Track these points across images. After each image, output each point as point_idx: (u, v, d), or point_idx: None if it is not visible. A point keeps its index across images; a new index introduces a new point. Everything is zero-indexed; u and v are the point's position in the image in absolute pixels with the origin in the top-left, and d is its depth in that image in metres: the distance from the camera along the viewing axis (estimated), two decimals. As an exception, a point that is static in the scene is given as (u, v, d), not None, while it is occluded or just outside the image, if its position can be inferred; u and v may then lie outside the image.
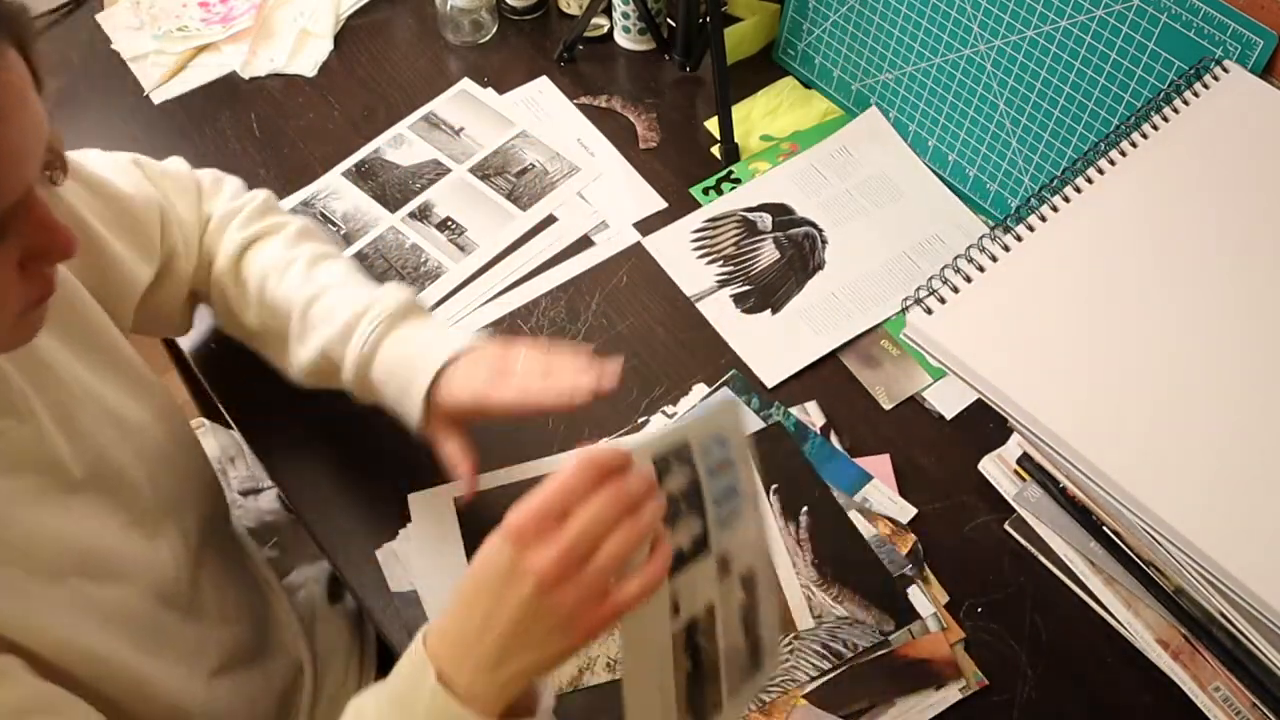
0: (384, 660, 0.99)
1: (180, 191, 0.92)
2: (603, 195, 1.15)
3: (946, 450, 0.95)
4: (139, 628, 0.73)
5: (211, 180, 0.95)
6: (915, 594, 0.86)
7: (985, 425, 0.95)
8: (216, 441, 1.15)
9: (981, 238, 0.83)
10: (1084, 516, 0.86)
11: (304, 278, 0.86)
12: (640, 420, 0.97)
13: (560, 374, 0.76)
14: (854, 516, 0.90)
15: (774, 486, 0.92)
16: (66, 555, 0.69)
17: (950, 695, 0.82)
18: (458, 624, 0.60)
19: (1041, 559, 0.88)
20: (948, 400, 0.98)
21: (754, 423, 0.96)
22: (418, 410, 0.80)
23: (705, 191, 1.15)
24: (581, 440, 0.97)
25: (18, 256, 0.58)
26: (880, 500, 0.91)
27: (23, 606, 0.64)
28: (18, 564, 0.65)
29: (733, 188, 1.14)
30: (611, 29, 1.29)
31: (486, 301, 1.07)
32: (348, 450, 0.95)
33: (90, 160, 0.85)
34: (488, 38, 1.30)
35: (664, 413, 0.98)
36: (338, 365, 0.84)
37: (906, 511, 0.91)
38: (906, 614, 0.85)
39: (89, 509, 0.72)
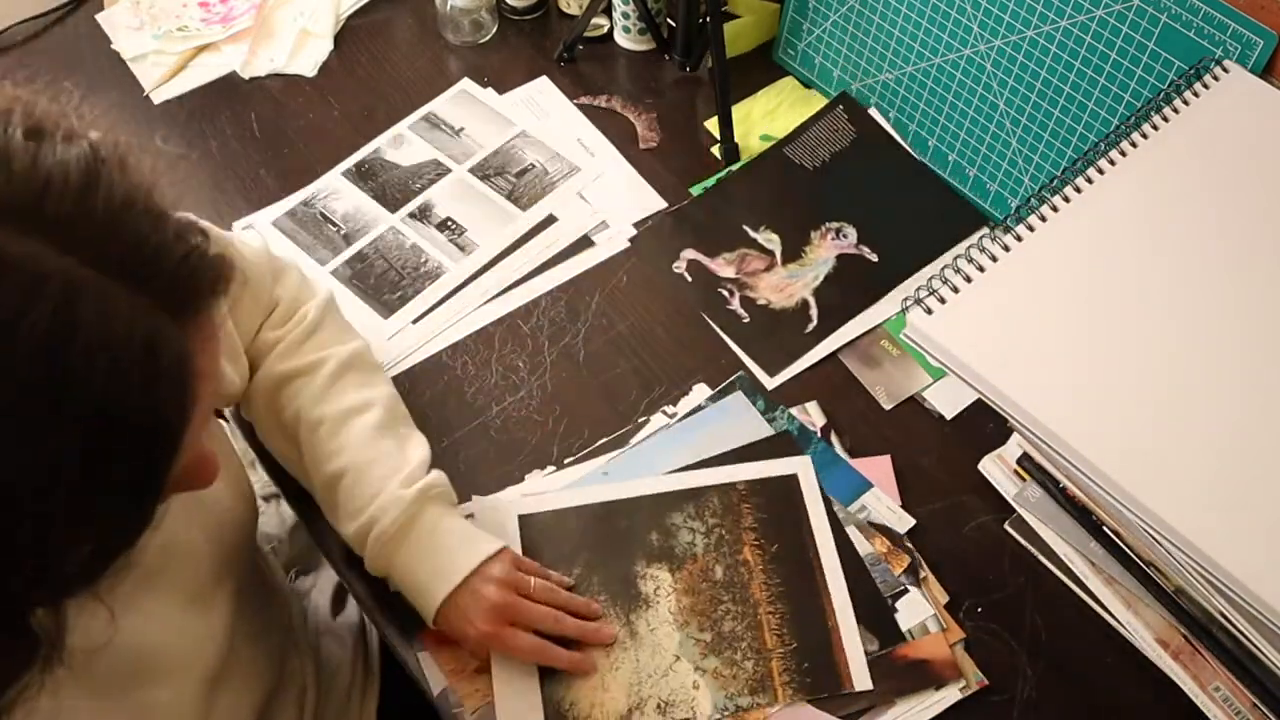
0: (387, 677, 0.99)
1: (253, 299, 0.90)
2: (603, 195, 1.15)
3: (946, 450, 0.95)
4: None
5: (273, 277, 0.92)
6: (913, 599, 0.86)
7: (985, 425, 0.95)
8: (238, 446, 1.15)
9: (981, 238, 0.83)
10: (1084, 516, 0.86)
11: (328, 448, 0.85)
12: (640, 420, 0.98)
13: (567, 628, 0.83)
14: (851, 533, 0.90)
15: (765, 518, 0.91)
16: (131, 663, 0.67)
17: (950, 695, 0.82)
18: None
19: (1041, 559, 0.88)
20: (948, 400, 0.98)
21: (760, 428, 0.96)
22: (432, 611, 0.82)
23: (705, 191, 1.15)
24: (581, 442, 0.97)
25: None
26: (879, 509, 0.91)
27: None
28: (84, 687, 0.63)
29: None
30: (611, 29, 1.29)
31: (486, 301, 1.07)
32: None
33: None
34: (488, 38, 1.30)
35: (664, 412, 0.98)
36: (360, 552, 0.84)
37: (905, 521, 0.90)
38: (892, 635, 0.84)
39: (157, 602, 0.70)
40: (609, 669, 0.83)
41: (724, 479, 0.92)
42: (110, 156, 0.51)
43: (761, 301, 1.06)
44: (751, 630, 0.85)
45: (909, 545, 0.89)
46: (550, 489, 0.93)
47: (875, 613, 0.86)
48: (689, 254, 1.10)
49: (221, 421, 0.84)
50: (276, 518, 1.09)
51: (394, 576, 0.83)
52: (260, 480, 1.10)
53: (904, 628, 0.85)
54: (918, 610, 0.85)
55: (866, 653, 0.84)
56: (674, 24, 1.24)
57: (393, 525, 0.81)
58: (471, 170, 1.18)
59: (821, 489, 0.92)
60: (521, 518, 0.90)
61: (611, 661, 0.83)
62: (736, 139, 1.17)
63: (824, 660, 0.83)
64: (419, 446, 0.87)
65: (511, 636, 0.80)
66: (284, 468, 0.91)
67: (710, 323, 1.05)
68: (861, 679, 0.82)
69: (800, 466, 0.93)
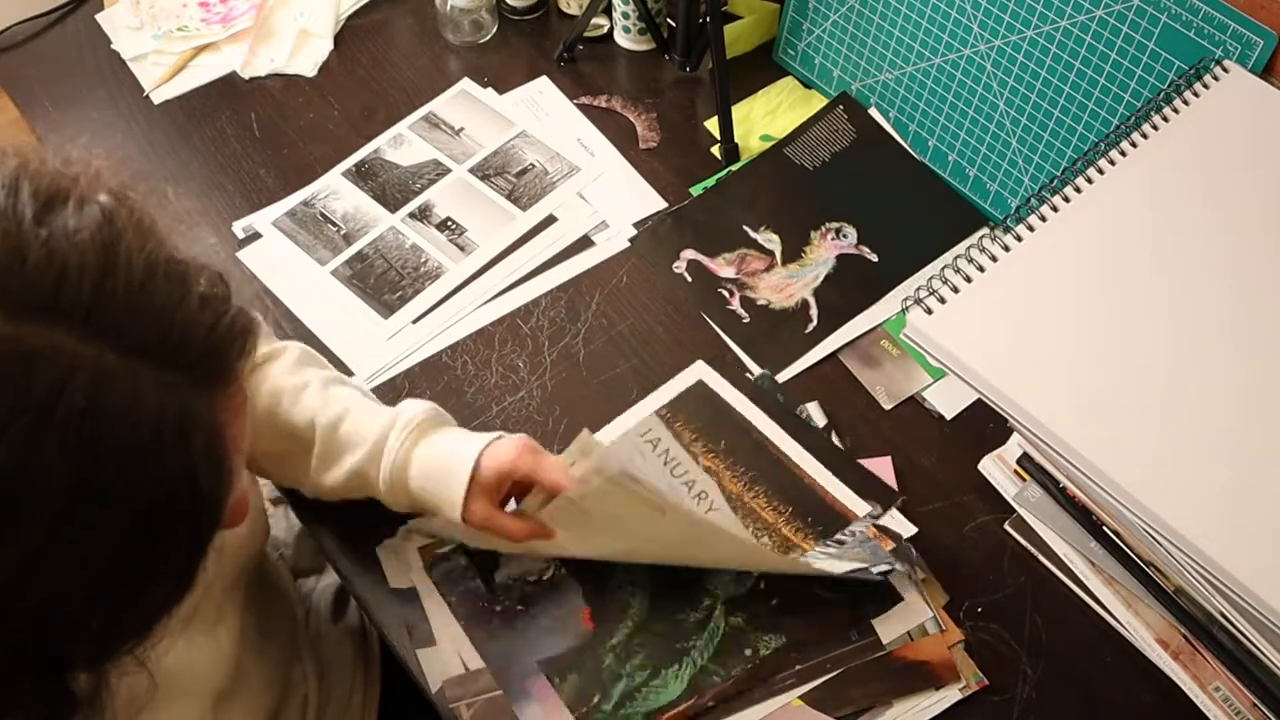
0: (387, 682, 0.99)
1: None
2: (603, 195, 1.15)
3: (946, 450, 0.95)
4: None
5: None
6: (913, 599, 0.86)
7: (985, 425, 0.95)
8: None
9: (981, 238, 0.83)
10: (1084, 516, 0.86)
11: (322, 400, 0.84)
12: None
13: None
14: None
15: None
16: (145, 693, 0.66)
17: (950, 695, 0.82)
18: None
19: (1041, 559, 0.88)
20: (948, 400, 0.98)
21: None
22: (462, 490, 0.80)
23: (705, 191, 1.15)
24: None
25: None
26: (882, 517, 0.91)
27: None
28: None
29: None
30: (611, 29, 1.29)
31: (486, 301, 1.07)
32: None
33: None
34: (488, 38, 1.30)
35: (646, 400, 0.98)
36: (371, 481, 0.83)
37: (906, 528, 0.90)
38: (886, 495, 0.89)
39: (175, 629, 0.70)
40: None
41: (645, 413, 0.97)
42: (125, 223, 0.50)
43: (761, 301, 1.06)
44: (749, 516, 0.90)
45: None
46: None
47: (860, 479, 0.91)
48: (689, 254, 1.10)
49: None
50: (284, 522, 1.09)
51: (417, 468, 0.82)
52: (267, 484, 1.10)
53: (904, 630, 0.85)
54: (917, 612, 0.85)
55: (871, 516, 0.88)
56: (674, 24, 1.24)
57: (413, 420, 0.82)
58: (471, 170, 1.18)
59: (730, 380, 0.97)
60: None
61: None
62: (736, 139, 1.17)
63: (821, 508, 0.90)
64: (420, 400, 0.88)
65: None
66: (254, 460, 0.89)
67: (710, 323, 1.05)
68: (860, 508, 0.88)
69: (700, 371, 0.98)
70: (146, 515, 0.48)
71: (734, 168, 1.16)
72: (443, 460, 0.81)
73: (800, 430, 0.94)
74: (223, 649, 0.76)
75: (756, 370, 1.01)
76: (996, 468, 0.92)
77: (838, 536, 0.87)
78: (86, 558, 0.47)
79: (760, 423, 0.95)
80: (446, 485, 0.81)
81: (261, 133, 1.22)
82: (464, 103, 1.24)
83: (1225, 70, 0.90)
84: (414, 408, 0.84)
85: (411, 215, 1.14)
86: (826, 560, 0.84)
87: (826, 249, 1.09)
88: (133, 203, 0.51)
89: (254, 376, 0.86)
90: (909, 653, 0.84)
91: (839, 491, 0.91)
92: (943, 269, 0.80)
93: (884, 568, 0.83)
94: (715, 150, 1.18)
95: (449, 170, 1.18)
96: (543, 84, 1.26)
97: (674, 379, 0.98)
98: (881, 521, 0.90)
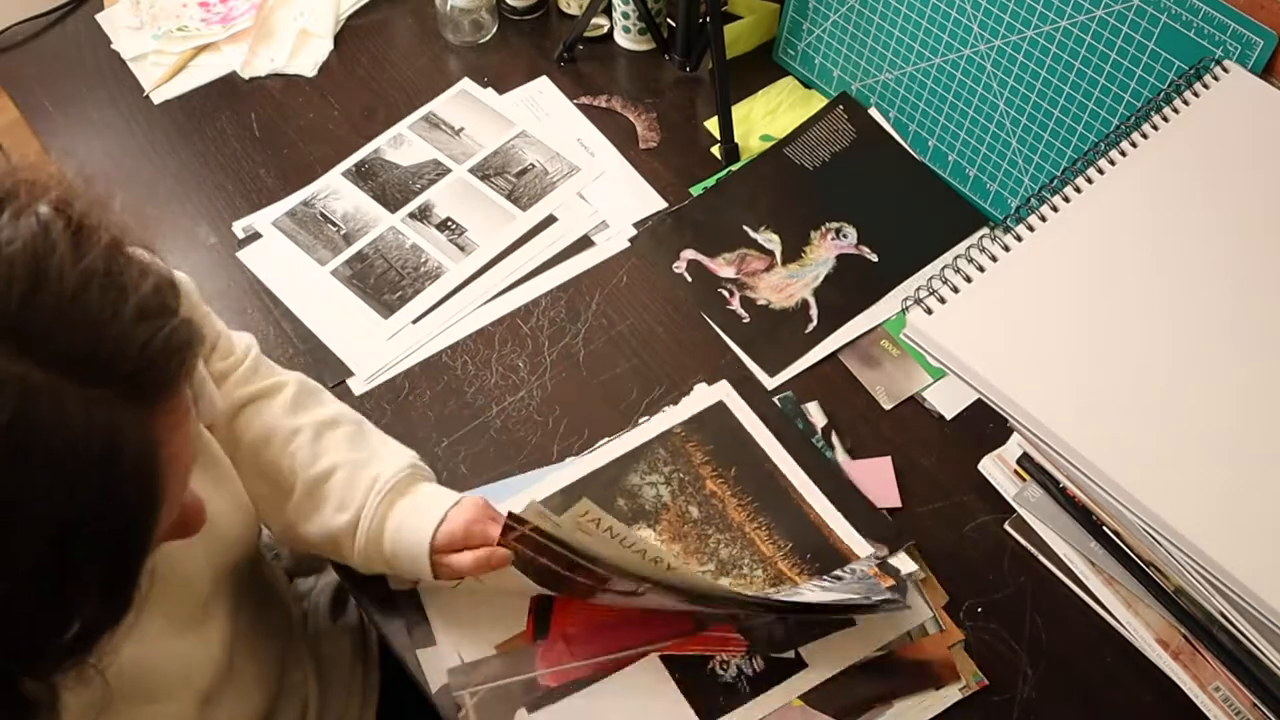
0: (386, 681, 0.99)
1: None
2: (603, 195, 1.15)
3: (946, 450, 0.95)
4: None
5: (213, 333, 0.90)
6: (913, 599, 0.86)
7: (985, 425, 0.95)
8: None
9: (981, 238, 0.83)
10: (1084, 516, 0.86)
11: (312, 452, 0.84)
12: (640, 420, 0.97)
13: None
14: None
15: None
16: (123, 682, 0.64)
17: (950, 695, 0.82)
18: None
19: (1041, 559, 0.88)
20: (948, 400, 0.98)
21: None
22: (426, 555, 0.82)
23: (705, 191, 1.15)
24: (581, 442, 0.97)
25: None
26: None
27: None
28: (77, 705, 0.61)
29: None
30: (611, 29, 1.29)
31: (486, 301, 1.07)
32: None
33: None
34: (488, 38, 1.30)
35: (665, 413, 0.98)
36: (345, 550, 0.84)
37: (906, 565, 0.87)
38: (893, 535, 0.88)
39: (152, 624, 0.69)
40: None
41: (660, 429, 0.96)
42: (61, 234, 0.48)
43: (761, 301, 1.06)
44: (747, 548, 0.89)
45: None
46: (507, 495, 0.92)
47: (868, 518, 0.90)
48: (689, 254, 1.10)
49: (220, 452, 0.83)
50: None
51: (385, 548, 0.83)
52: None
53: (904, 630, 0.85)
54: (917, 612, 0.85)
55: (875, 558, 0.87)
56: (674, 24, 1.24)
57: (381, 492, 0.83)
58: (471, 170, 1.18)
59: (756, 407, 0.96)
60: None
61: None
62: (736, 139, 1.17)
63: (822, 546, 0.88)
64: (403, 449, 0.88)
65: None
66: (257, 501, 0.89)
67: (710, 323, 1.05)
68: (862, 549, 0.87)
69: (722, 392, 0.98)
70: (72, 533, 0.47)
71: (734, 168, 1.16)
72: (406, 539, 0.82)
73: (814, 463, 0.93)
74: (210, 649, 0.76)
75: (769, 381, 1.01)
76: (996, 468, 0.92)
77: (835, 573, 0.86)
78: (11, 579, 0.46)
79: (774, 452, 0.94)
80: (413, 564, 0.83)
81: (261, 133, 1.22)
82: (464, 103, 1.24)
83: (1225, 70, 0.90)
84: (389, 468, 0.84)
85: (411, 215, 1.14)
86: (818, 593, 0.84)
87: (826, 249, 1.09)
88: (74, 212, 0.49)
89: (249, 410, 0.86)
90: (909, 653, 0.84)
91: (843, 530, 0.89)
92: (943, 269, 0.80)
93: (881, 598, 0.83)
94: (715, 150, 1.18)
95: (449, 170, 1.18)
96: (543, 84, 1.26)
97: (694, 395, 0.98)
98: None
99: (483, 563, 0.80)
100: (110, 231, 0.50)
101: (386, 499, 0.83)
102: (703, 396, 0.98)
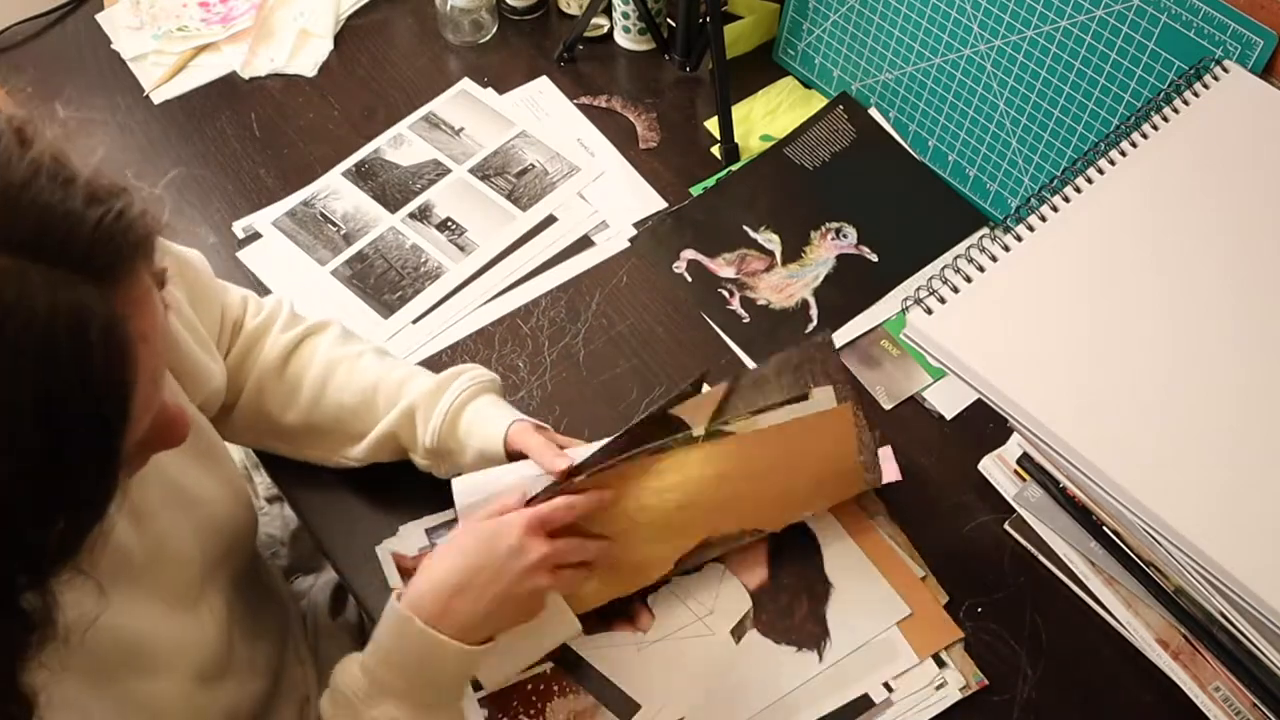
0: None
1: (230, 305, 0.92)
2: (603, 195, 1.15)
3: (946, 450, 0.95)
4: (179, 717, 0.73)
5: (240, 296, 0.94)
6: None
7: (985, 425, 0.95)
8: (236, 454, 1.15)
9: (981, 238, 0.83)
10: (1084, 516, 0.86)
11: (380, 366, 0.90)
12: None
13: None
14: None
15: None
16: (119, 652, 0.67)
17: (950, 695, 0.82)
18: (445, 587, 0.75)
19: (1041, 559, 0.88)
20: (948, 400, 0.98)
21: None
22: (505, 427, 0.85)
23: (705, 191, 1.15)
24: (580, 440, 0.96)
25: (131, 453, 0.56)
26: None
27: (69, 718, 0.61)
28: (78, 669, 0.62)
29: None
30: (611, 29, 1.29)
31: (486, 301, 1.07)
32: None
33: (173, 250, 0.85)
34: (488, 38, 1.30)
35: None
36: (421, 418, 0.87)
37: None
38: None
39: (144, 598, 0.70)
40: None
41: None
42: (4, 130, 0.51)
43: (761, 301, 1.06)
44: None
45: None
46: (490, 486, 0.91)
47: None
48: (689, 254, 1.10)
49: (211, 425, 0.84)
50: (279, 520, 1.09)
51: (463, 421, 0.87)
52: (265, 483, 1.10)
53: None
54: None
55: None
56: (674, 24, 1.24)
57: (475, 378, 0.89)
58: (471, 170, 1.18)
59: None
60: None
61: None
62: (736, 139, 1.17)
63: None
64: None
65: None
66: (279, 444, 0.92)
67: (710, 323, 1.05)
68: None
69: None
70: (49, 411, 0.48)
71: (734, 168, 1.16)
72: (486, 413, 0.87)
73: None
74: (204, 630, 0.76)
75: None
76: (996, 468, 0.92)
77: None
78: None
79: None
80: (489, 432, 0.86)
81: (261, 133, 1.22)
82: (464, 103, 1.24)
83: (1225, 70, 0.90)
84: (473, 369, 0.90)
85: (411, 215, 1.14)
86: None
87: (826, 249, 1.09)
88: (16, 119, 0.52)
89: (304, 348, 0.91)
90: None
91: None
92: (943, 269, 0.80)
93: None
94: (715, 150, 1.18)
95: (449, 170, 1.18)
96: (543, 84, 1.26)
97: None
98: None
99: (551, 449, 0.83)
100: (55, 140, 0.52)
101: (472, 389, 0.88)
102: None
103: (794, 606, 0.87)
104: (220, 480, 0.80)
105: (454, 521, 0.86)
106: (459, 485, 0.84)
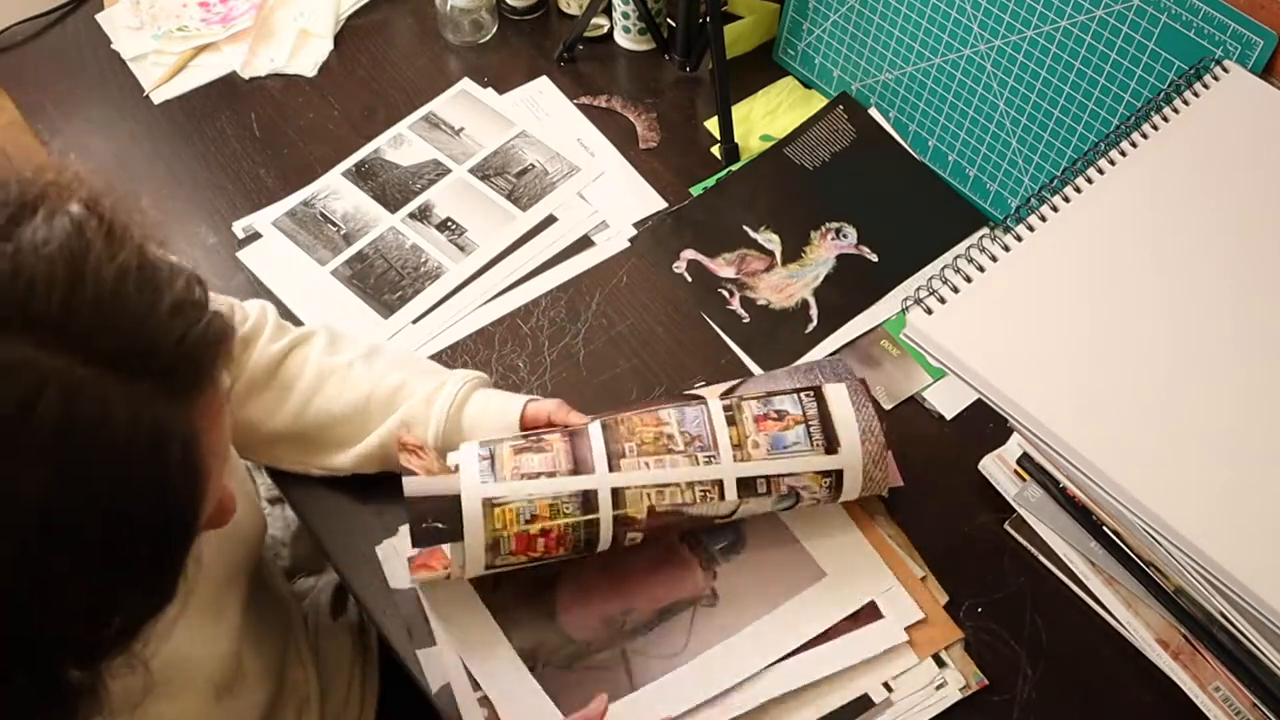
0: (386, 677, 0.99)
1: None
2: (603, 195, 1.15)
3: (946, 450, 0.95)
4: None
5: (226, 304, 0.93)
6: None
7: (985, 425, 0.95)
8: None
9: (981, 238, 0.83)
10: (1084, 516, 0.86)
11: (370, 375, 0.90)
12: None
13: None
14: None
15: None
16: (172, 679, 0.67)
17: (950, 695, 0.82)
18: None
19: (1041, 559, 0.88)
20: (948, 400, 0.98)
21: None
22: (520, 408, 0.88)
23: (705, 191, 1.15)
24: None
25: None
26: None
27: None
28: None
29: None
30: (611, 29, 1.29)
31: (486, 302, 1.07)
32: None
33: None
34: (488, 38, 1.30)
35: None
36: (421, 418, 0.87)
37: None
38: None
39: (175, 616, 0.71)
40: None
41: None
42: (94, 233, 0.49)
43: (761, 302, 1.06)
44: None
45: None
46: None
47: None
48: (689, 254, 1.10)
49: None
50: (281, 521, 1.09)
51: (467, 412, 0.88)
52: (265, 484, 1.10)
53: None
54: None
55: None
56: (674, 24, 1.24)
57: (466, 377, 0.90)
58: (471, 170, 1.18)
59: None
60: None
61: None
62: (736, 139, 1.17)
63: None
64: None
65: None
66: (266, 454, 0.92)
67: (710, 323, 1.05)
68: None
69: None
70: (121, 525, 0.48)
71: (734, 168, 1.16)
72: (494, 404, 0.89)
73: None
74: (221, 642, 0.76)
75: (757, 370, 1.01)
76: (996, 468, 0.92)
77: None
78: (62, 570, 0.47)
79: None
80: (503, 413, 0.88)
81: (261, 133, 1.22)
82: (464, 103, 1.24)
83: (1225, 70, 0.90)
84: (465, 371, 0.91)
85: (411, 215, 1.14)
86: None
87: (826, 249, 1.09)
88: (104, 210, 0.50)
89: (292, 358, 0.90)
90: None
91: None
92: (943, 269, 0.80)
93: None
94: (715, 150, 1.18)
95: (449, 170, 1.18)
96: (543, 84, 1.26)
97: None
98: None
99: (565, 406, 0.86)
100: (139, 229, 0.51)
101: (469, 385, 0.89)
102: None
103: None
104: (235, 486, 0.80)
105: None
106: (411, 487, 0.81)
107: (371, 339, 0.96)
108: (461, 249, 1.11)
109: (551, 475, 0.81)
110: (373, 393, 0.88)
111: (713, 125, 1.20)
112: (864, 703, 0.82)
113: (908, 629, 0.85)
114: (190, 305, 0.51)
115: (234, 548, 0.79)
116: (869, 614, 0.85)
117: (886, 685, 0.83)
